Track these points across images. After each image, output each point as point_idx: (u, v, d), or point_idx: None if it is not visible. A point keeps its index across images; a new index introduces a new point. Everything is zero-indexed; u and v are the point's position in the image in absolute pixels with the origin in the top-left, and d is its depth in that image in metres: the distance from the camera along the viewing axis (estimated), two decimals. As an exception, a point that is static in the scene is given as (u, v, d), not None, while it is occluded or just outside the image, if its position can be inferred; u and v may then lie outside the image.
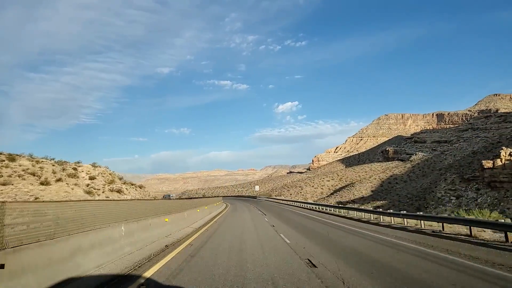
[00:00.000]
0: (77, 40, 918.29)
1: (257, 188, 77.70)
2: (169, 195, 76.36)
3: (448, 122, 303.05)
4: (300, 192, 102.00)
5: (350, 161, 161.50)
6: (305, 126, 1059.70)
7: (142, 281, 6.97)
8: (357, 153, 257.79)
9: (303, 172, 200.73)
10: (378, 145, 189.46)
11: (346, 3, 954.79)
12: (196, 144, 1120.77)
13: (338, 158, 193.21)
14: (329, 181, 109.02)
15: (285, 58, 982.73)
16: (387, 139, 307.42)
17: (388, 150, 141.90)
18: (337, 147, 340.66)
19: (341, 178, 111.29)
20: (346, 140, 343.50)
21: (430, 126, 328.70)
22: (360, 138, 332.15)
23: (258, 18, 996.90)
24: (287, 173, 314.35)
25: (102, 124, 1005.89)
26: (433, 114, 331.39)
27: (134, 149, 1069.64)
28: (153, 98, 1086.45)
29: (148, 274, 7.51)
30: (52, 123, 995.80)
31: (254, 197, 77.90)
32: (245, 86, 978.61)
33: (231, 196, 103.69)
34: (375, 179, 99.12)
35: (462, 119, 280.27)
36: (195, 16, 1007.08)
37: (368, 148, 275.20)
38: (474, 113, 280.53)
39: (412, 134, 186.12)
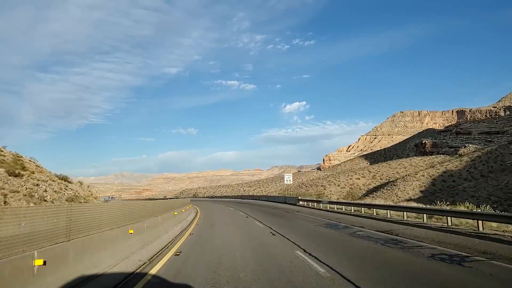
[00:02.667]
0: (85, 41, 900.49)
1: (288, 178, 50.90)
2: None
3: (470, 119, 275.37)
4: (323, 192, 75.94)
5: (375, 157, 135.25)
6: (313, 126, 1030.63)
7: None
8: (380, 149, 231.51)
9: (316, 171, 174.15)
10: (407, 139, 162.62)
11: (355, 1, 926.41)
12: (202, 144, 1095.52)
13: (361, 155, 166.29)
14: (359, 179, 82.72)
15: (293, 58, 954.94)
16: (403, 137, 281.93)
17: (425, 143, 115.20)
18: (349, 146, 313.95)
19: (375, 175, 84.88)
20: (359, 138, 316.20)
21: (450, 123, 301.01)
22: (374, 137, 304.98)
23: (266, 17, 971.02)
24: (297, 171, 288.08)
25: (111, 124, 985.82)
26: (453, 111, 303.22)
27: (142, 149, 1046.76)
28: (160, 98, 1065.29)
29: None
30: (62, 123, 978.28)
31: (281, 201, 44.22)
32: (252, 86, 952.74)
33: (234, 197, 77.77)
34: (422, 175, 72.58)
35: (486, 115, 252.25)
36: (202, 15, 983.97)
37: (383, 147, 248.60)
38: (500, 109, 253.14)
39: (446, 127, 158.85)
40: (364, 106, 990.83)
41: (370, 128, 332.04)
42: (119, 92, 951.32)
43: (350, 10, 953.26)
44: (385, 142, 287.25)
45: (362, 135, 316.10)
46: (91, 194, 40.16)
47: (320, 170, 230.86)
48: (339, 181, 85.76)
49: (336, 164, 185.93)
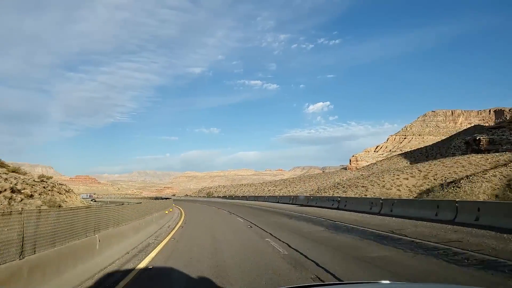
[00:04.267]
0: (112, 40, 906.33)
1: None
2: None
3: (510, 119, 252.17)
4: (365, 193, 60.97)
5: (415, 156, 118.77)
6: (337, 127, 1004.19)
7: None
8: (421, 147, 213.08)
9: (349, 171, 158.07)
10: (450, 137, 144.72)
11: None
12: (224, 144, 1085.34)
13: (399, 153, 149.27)
14: (407, 179, 67.48)
15: (317, 57, 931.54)
16: (435, 137, 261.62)
17: (479, 139, 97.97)
18: (377, 146, 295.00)
19: (426, 175, 69.33)
20: (388, 138, 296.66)
21: (487, 123, 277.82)
22: (403, 137, 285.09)
23: (291, 16, 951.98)
24: (322, 172, 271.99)
25: (136, 123, 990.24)
26: (490, 110, 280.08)
27: (165, 147, 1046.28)
28: (184, 98, 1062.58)
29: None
30: (88, 121, 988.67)
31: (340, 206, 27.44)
32: (275, 86, 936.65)
33: (256, 197, 63.49)
34: (494, 175, 55.69)
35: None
36: (226, 15, 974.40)
37: (414, 147, 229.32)
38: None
39: (498, 123, 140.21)
40: (390, 107, 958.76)
41: (397, 129, 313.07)
42: (145, 91, 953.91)
43: (377, 9, 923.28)
44: (415, 143, 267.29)
45: (391, 135, 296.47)
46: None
47: (346, 170, 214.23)
48: (383, 181, 70.40)
49: (367, 165, 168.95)
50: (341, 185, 73.79)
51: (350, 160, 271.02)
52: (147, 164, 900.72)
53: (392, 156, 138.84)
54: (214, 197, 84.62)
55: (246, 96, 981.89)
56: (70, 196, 32.18)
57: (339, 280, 6.24)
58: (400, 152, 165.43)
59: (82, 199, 77.63)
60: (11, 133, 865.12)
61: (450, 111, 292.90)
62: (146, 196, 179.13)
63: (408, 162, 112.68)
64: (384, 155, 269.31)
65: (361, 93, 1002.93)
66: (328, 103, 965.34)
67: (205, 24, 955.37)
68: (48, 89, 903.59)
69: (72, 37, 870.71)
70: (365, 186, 69.31)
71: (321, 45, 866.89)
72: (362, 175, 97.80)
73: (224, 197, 76.35)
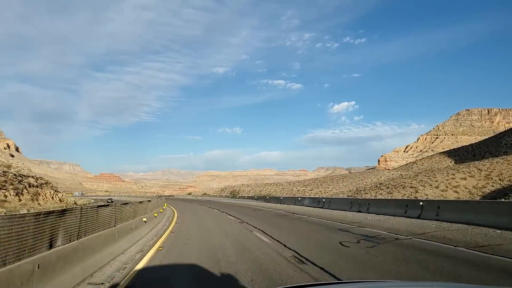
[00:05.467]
0: (138, 41, 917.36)
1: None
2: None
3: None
4: (415, 195, 50.58)
5: (460, 155, 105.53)
6: (362, 127, 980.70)
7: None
8: (467, 144, 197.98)
9: (389, 170, 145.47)
10: (497, 134, 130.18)
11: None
12: (247, 144, 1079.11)
13: (441, 152, 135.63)
14: (465, 178, 56.32)
15: (342, 56, 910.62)
16: (469, 137, 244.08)
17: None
18: (407, 146, 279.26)
19: (489, 174, 57.79)
20: (418, 138, 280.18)
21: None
22: (435, 137, 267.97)
23: (316, 15, 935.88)
24: (349, 172, 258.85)
25: (160, 122, 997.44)
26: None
27: (189, 147, 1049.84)
28: (208, 98, 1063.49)
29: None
30: (114, 120, 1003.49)
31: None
32: (299, 85, 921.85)
33: (288, 199, 52.03)
34: None
35: None
36: (251, 14, 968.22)
37: (446, 148, 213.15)
38: None
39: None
40: (418, 107, 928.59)
41: (424, 130, 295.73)
42: (169, 91, 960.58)
43: (405, 6, 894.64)
44: (448, 143, 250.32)
45: (422, 135, 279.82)
46: None
47: (375, 170, 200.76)
48: (435, 181, 59.03)
49: (404, 164, 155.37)
50: (384, 185, 62.76)
51: (378, 161, 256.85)
52: (171, 163, 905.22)
53: (433, 155, 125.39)
54: (243, 197, 71.36)
55: (270, 96, 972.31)
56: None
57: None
58: (440, 151, 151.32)
59: (75, 197, 69.13)
60: (42, 132, 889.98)
61: (486, 110, 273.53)
62: (149, 195, 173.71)
63: (453, 161, 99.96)
64: (414, 155, 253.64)
65: (387, 92, 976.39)
66: (353, 102, 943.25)
67: (230, 24, 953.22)
68: (76, 89, 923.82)
69: (99, 37, 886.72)
70: (415, 187, 58.16)
71: (346, 44, 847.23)
72: (402, 175, 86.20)
73: (252, 197, 64.99)
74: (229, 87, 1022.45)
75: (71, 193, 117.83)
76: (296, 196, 51.61)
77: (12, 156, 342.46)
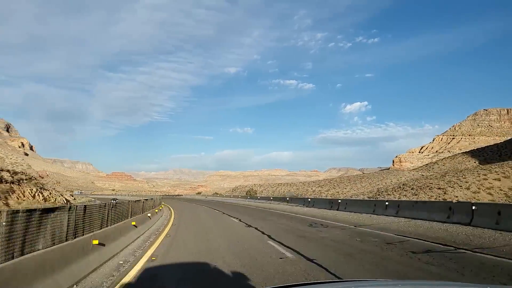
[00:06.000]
0: (150, 41, 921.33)
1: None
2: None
3: None
4: (443, 197, 45.56)
5: (485, 155, 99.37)
6: (374, 128, 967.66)
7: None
8: (474, 148, 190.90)
9: (409, 170, 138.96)
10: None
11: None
12: (258, 144, 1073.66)
13: (464, 151, 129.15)
14: (498, 179, 50.97)
15: (355, 56, 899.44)
16: (487, 137, 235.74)
17: None
18: (422, 147, 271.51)
19: (527, 175, 51.74)
20: (434, 139, 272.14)
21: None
22: (451, 137, 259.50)
23: (328, 14, 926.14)
24: (362, 173, 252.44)
25: (172, 122, 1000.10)
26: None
27: (200, 146, 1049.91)
28: (219, 98, 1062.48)
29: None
30: (127, 120, 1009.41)
31: None
32: (311, 85, 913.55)
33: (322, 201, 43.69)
34: None
35: None
36: (263, 14, 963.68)
37: (463, 149, 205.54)
38: None
39: None
40: (432, 107, 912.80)
41: (438, 130, 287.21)
42: (181, 91, 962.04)
43: (419, 5, 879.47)
44: (465, 143, 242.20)
45: (437, 135, 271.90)
46: None
47: (390, 170, 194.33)
48: (466, 182, 53.83)
49: (425, 164, 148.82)
50: (408, 186, 57.70)
51: (393, 161, 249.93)
52: (182, 163, 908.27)
53: (456, 155, 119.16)
54: (265, 198, 57.82)
55: (281, 96, 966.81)
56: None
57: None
58: (458, 152, 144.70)
59: (75, 195, 65.39)
60: (56, 131, 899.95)
61: (506, 110, 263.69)
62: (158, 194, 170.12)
63: (477, 162, 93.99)
64: (430, 156, 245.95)
65: (400, 93, 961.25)
66: (365, 103, 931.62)
67: (242, 24, 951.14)
68: (90, 88, 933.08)
69: (112, 38, 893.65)
70: (443, 188, 53.00)
71: (359, 44, 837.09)
72: (423, 175, 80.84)
73: (267, 198, 55.36)
74: (240, 87, 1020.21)
75: (72, 192, 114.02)
76: (334, 198, 41.53)
77: (26, 154, 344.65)
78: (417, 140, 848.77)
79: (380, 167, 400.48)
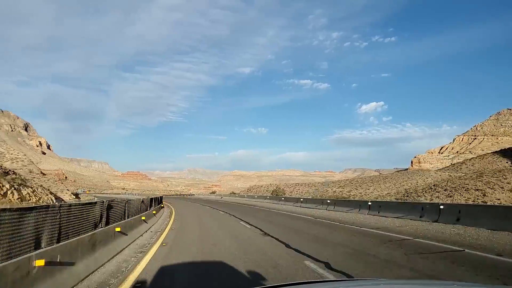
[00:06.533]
0: (165, 41, 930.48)
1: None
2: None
3: None
4: (483, 199, 39.91)
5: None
6: (390, 128, 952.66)
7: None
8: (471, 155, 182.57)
9: (435, 171, 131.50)
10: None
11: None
12: (272, 144, 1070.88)
13: (494, 151, 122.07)
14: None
15: (371, 55, 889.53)
16: (511, 138, 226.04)
17: None
18: (442, 147, 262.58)
19: None
20: (454, 139, 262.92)
21: None
22: (473, 137, 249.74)
23: (344, 13, 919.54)
24: (378, 174, 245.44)
25: (187, 122, 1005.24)
26: None
27: (214, 146, 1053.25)
28: (233, 98, 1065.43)
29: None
30: (142, 120, 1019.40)
31: None
32: (326, 85, 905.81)
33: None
34: None
35: None
36: (278, 14, 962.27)
37: (485, 149, 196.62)
38: None
39: None
40: (451, 107, 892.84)
41: (457, 131, 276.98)
42: (196, 92, 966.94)
43: (437, 3, 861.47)
44: (487, 144, 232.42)
45: (458, 136, 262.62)
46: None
47: (408, 171, 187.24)
48: (508, 183, 48.27)
49: (450, 165, 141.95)
50: (441, 187, 52.45)
51: (411, 162, 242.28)
52: (197, 162, 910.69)
53: (485, 155, 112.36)
54: (292, 201, 40.02)
55: (295, 96, 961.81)
56: None
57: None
58: (480, 153, 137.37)
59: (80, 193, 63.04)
60: (73, 131, 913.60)
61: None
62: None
63: (509, 162, 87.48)
64: (450, 156, 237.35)
65: (418, 93, 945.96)
66: (382, 103, 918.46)
67: (256, 24, 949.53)
68: (106, 89, 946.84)
69: (128, 38, 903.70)
70: (481, 190, 47.59)
71: (375, 43, 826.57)
72: (451, 176, 75.11)
73: (313, 201, 36.39)
74: (254, 87, 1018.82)
75: (70, 190, 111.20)
76: (373, 200, 34.18)
77: (44, 153, 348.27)
78: (434, 140, 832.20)
79: (397, 168, 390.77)
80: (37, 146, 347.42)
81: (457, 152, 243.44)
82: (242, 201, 53.09)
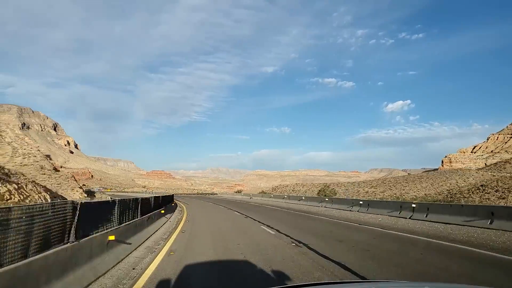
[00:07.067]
0: (189, 42, 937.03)
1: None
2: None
3: None
4: None
5: None
6: (418, 128, 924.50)
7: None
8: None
9: (477, 171, 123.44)
10: None
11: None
12: (295, 143, 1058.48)
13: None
14: None
15: (397, 53, 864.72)
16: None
17: None
18: (475, 147, 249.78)
19: None
20: (488, 138, 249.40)
21: None
22: (509, 136, 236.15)
23: (370, 10, 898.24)
24: (407, 174, 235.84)
25: (210, 122, 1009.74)
26: None
27: (237, 146, 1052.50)
28: (256, 97, 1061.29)
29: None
30: (167, 120, 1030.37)
31: None
32: (351, 83, 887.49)
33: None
34: None
35: None
36: (302, 12, 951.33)
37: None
38: None
39: None
40: (482, 106, 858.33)
41: (488, 130, 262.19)
42: (219, 91, 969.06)
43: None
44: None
45: (493, 134, 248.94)
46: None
47: (439, 171, 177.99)
48: None
49: (493, 163, 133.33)
50: (491, 188, 46.82)
51: (442, 161, 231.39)
52: (220, 162, 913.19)
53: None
54: (345, 203, 28.93)
55: (320, 95, 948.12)
56: None
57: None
58: (490, 156, 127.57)
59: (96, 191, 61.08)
60: (100, 130, 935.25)
61: None
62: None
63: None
64: (484, 156, 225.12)
65: (446, 91, 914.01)
66: (408, 101, 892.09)
67: (280, 22, 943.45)
68: (132, 89, 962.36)
69: (153, 39, 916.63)
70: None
71: (402, 40, 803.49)
72: (494, 175, 68.63)
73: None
74: (278, 87, 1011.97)
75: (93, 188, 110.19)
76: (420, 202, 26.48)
77: (72, 152, 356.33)
78: (464, 140, 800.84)
79: (424, 168, 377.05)
80: (65, 145, 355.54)
81: (492, 151, 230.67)
82: (284, 204, 37.70)
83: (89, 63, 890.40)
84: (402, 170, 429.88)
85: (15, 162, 34.92)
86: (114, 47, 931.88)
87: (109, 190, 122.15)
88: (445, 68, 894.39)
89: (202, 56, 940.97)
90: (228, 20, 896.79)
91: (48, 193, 21.50)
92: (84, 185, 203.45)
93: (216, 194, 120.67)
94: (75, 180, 46.25)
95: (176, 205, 30.44)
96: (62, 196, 22.74)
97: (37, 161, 39.20)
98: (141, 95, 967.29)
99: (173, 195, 31.99)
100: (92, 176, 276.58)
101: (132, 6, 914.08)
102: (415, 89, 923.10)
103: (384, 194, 59.94)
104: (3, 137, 42.46)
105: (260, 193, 78.84)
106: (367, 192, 61.54)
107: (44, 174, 33.20)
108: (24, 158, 38.02)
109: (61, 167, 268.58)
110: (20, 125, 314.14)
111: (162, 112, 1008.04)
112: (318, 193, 59.11)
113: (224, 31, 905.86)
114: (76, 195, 34.85)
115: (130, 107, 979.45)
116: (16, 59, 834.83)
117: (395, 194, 60.65)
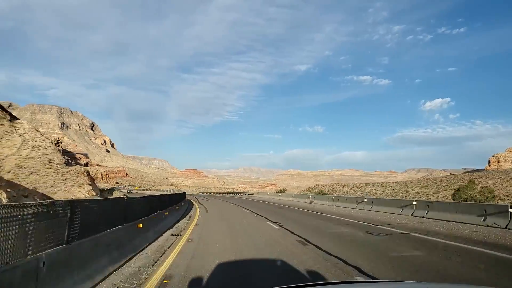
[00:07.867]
0: (222, 42, 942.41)
1: None
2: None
3: None
4: None
5: None
6: (458, 126, 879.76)
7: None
8: None
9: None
10: None
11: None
12: (329, 143, 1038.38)
13: None
14: None
15: (436, 49, 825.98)
16: None
17: None
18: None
19: None
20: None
21: None
22: None
23: (407, 5, 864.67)
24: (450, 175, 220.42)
25: (242, 121, 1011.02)
26: None
27: (269, 145, 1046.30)
28: (288, 96, 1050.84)
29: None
30: (200, 120, 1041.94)
31: None
32: (387, 81, 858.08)
33: None
34: None
35: None
36: (336, 9, 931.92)
37: None
38: None
39: None
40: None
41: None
42: (251, 91, 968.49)
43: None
44: None
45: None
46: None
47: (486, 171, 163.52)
48: None
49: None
50: None
51: (489, 161, 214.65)
52: (252, 161, 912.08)
53: None
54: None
55: (354, 93, 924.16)
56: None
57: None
58: None
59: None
60: (135, 130, 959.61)
61: None
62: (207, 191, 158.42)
63: None
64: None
65: (489, 88, 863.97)
66: (448, 99, 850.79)
67: (313, 20, 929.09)
68: (166, 90, 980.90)
69: (187, 40, 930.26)
70: None
71: (441, 35, 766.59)
72: None
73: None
74: (310, 85, 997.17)
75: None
76: None
77: (108, 151, 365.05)
78: (509, 139, 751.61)
79: (465, 168, 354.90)
80: (102, 144, 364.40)
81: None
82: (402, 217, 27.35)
83: (125, 65, 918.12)
84: (442, 170, 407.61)
85: (21, 155, 31.92)
86: (149, 48, 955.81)
87: (137, 188, 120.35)
88: (487, 64, 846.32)
89: (235, 55, 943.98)
90: (261, 19, 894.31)
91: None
92: (117, 183, 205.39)
93: (252, 194, 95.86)
94: (89, 176, 42.48)
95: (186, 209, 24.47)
96: (48, 197, 18.10)
97: (46, 154, 35.79)
98: (175, 95, 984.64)
99: (185, 192, 27.43)
100: (126, 174, 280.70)
101: (166, 7, 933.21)
102: (455, 86, 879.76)
103: (438, 195, 51.95)
104: (17, 128, 39.65)
105: (318, 192, 60.85)
106: (417, 192, 53.96)
107: (50, 168, 29.84)
108: (32, 150, 34.75)
109: (97, 165, 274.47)
110: (59, 125, 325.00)
111: (196, 112, 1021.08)
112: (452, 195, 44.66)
113: (256, 30, 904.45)
114: (82, 193, 30.78)
115: (164, 107, 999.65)
116: (58, 62, 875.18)
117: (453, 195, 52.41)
